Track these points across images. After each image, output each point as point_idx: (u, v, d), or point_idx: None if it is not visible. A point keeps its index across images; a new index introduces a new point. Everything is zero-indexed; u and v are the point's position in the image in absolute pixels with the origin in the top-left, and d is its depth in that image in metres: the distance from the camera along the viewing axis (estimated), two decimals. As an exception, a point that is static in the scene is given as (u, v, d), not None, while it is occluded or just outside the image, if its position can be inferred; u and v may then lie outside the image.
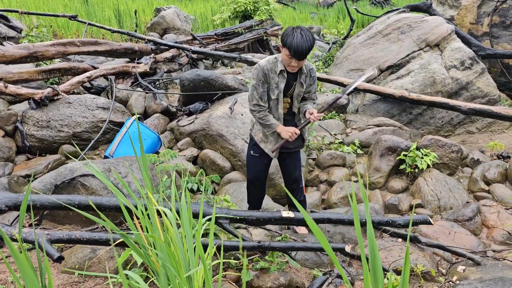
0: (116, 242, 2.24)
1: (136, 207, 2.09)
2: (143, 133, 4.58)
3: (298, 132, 3.17)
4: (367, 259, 2.93)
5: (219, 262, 2.45)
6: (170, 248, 1.85)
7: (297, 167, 3.58)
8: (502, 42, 7.97)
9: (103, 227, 2.93)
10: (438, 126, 6.48)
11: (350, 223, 3.04)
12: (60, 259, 2.14)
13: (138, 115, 4.82)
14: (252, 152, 3.49)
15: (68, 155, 3.73)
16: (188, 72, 5.74)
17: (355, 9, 10.81)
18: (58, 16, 7.81)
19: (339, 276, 2.81)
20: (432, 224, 3.08)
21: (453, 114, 6.42)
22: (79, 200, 2.52)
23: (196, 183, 3.68)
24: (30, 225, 3.18)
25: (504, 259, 3.23)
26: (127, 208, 2.44)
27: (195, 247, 2.00)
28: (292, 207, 3.74)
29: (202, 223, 2.51)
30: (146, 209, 2.07)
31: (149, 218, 2.11)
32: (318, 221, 2.90)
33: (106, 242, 2.33)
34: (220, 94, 5.64)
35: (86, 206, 2.52)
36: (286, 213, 2.74)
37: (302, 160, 3.82)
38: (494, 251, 3.44)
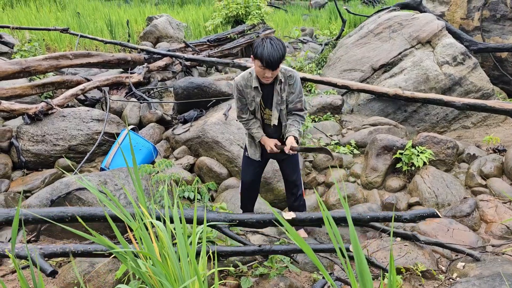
0: (112, 256, 2.23)
1: (133, 217, 2.09)
2: (139, 144, 4.57)
3: (275, 149, 3.23)
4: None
5: (219, 270, 2.44)
6: (166, 260, 1.85)
7: (294, 171, 3.60)
8: (494, 35, 8.00)
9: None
10: (433, 123, 6.49)
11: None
12: (53, 274, 2.13)
13: (132, 126, 4.82)
14: (246, 154, 3.55)
15: (62, 170, 3.72)
16: (181, 80, 5.75)
17: (346, 9, 10.85)
18: (49, 30, 7.83)
19: (338, 279, 2.81)
20: (440, 216, 3.07)
21: (447, 110, 6.43)
22: (72, 211, 2.50)
23: (192, 191, 3.67)
24: (28, 241, 3.18)
25: (503, 254, 3.23)
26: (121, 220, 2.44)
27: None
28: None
29: (199, 230, 2.51)
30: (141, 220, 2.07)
31: (147, 229, 2.11)
32: (320, 220, 2.88)
33: (101, 254, 2.32)
34: (214, 100, 5.64)
35: (81, 218, 2.51)
36: (287, 215, 2.74)
37: (299, 163, 3.83)
38: (493, 246, 3.43)
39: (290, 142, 3.14)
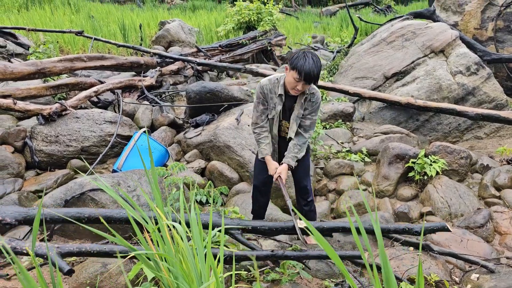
0: (129, 256, 2.23)
1: (146, 221, 2.09)
2: (151, 146, 4.59)
3: (282, 177, 3.21)
4: (378, 268, 2.91)
5: (231, 274, 2.44)
6: (181, 262, 1.85)
7: (306, 176, 3.58)
8: (508, 46, 7.95)
9: (114, 242, 2.93)
10: (445, 132, 6.45)
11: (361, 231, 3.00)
12: (70, 272, 2.14)
13: (145, 128, 4.84)
14: (260, 157, 3.53)
15: (77, 170, 3.74)
16: (194, 84, 5.78)
17: (358, 17, 10.85)
18: (64, 32, 7.92)
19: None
20: (450, 230, 3.04)
21: (460, 120, 6.39)
22: (88, 213, 2.52)
23: (205, 195, 3.67)
24: (42, 240, 3.19)
25: (518, 266, 3.18)
26: (137, 222, 2.44)
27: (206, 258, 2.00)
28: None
29: (213, 234, 2.51)
30: (156, 223, 2.07)
31: (159, 231, 2.10)
32: (332, 230, 2.88)
33: (117, 255, 2.33)
34: (226, 105, 5.65)
35: (96, 219, 2.53)
36: (299, 223, 2.72)
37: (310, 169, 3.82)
38: (507, 258, 3.39)
39: (279, 172, 3.18)
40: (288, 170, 3.27)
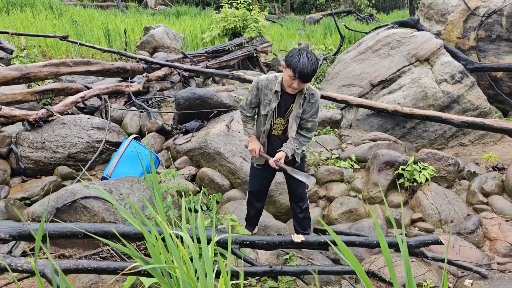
0: (125, 271, 2.18)
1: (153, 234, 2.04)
2: (141, 153, 4.53)
3: (257, 153, 3.32)
4: (374, 275, 2.91)
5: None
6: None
7: (301, 184, 3.58)
8: (489, 55, 8.16)
9: (108, 251, 2.87)
10: (431, 139, 6.55)
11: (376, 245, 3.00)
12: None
13: (134, 135, 4.78)
14: (255, 164, 3.55)
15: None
16: (184, 91, 5.74)
17: (344, 25, 10.99)
18: (49, 36, 7.78)
19: (351, 295, 2.78)
20: (443, 244, 3.09)
21: (445, 127, 6.50)
22: (85, 228, 2.43)
23: (199, 203, 3.63)
24: (32, 250, 3.10)
25: (510, 272, 3.24)
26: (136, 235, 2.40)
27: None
28: (298, 228, 3.72)
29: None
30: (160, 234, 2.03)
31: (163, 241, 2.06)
32: (329, 244, 2.86)
33: (114, 271, 2.27)
34: (216, 112, 5.63)
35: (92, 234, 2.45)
36: (297, 238, 2.71)
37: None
38: (498, 263, 3.45)
39: (278, 157, 3.19)
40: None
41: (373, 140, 5.97)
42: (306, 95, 3.13)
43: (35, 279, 2.93)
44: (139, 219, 2.18)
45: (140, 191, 3.64)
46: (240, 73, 8.14)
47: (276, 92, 3.12)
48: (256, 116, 3.36)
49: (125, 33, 11.40)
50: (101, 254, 2.82)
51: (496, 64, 7.79)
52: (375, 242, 2.91)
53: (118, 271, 2.25)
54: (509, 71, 7.70)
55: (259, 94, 3.21)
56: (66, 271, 2.22)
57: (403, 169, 4.71)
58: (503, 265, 3.41)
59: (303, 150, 3.42)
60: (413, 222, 4.28)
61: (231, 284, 2.82)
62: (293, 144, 3.24)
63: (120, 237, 1.76)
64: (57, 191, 3.43)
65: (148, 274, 2.33)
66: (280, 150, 3.23)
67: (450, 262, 3.27)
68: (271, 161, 3.23)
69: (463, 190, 4.82)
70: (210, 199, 3.80)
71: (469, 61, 7.72)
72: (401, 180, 4.74)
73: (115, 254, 2.84)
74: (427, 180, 4.56)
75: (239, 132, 5.12)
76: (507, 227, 3.86)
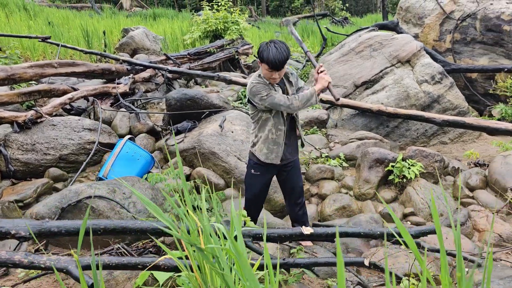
0: (151, 265, 2.21)
1: (173, 229, 2.08)
2: (137, 153, 4.53)
3: (328, 78, 3.31)
4: (376, 267, 3.03)
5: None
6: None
7: (300, 178, 3.68)
8: (464, 57, 8.50)
9: (118, 249, 2.88)
10: (414, 138, 6.78)
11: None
12: (92, 286, 2.10)
13: (129, 136, 4.77)
14: (253, 171, 3.52)
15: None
16: (175, 92, 5.76)
17: (326, 28, 11.22)
18: (31, 37, 7.61)
19: (359, 284, 2.89)
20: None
21: (427, 126, 6.74)
22: (104, 224, 2.43)
23: (207, 200, 3.67)
24: (37, 251, 3.08)
25: (500, 260, 3.42)
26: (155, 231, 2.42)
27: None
28: (296, 223, 3.79)
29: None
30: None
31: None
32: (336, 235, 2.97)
33: (135, 266, 2.29)
34: (207, 112, 5.67)
35: (112, 231, 2.45)
36: (306, 230, 2.80)
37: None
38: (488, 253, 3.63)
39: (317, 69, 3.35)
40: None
41: (360, 139, 6.13)
42: (288, 76, 3.34)
43: (42, 279, 2.91)
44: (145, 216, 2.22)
45: (142, 190, 3.65)
46: (226, 74, 8.19)
47: (270, 84, 3.22)
48: (265, 122, 3.32)
49: (104, 35, 11.26)
50: (111, 252, 2.82)
51: (471, 65, 8.13)
52: (378, 232, 3.02)
53: (139, 266, 2.28)
54: (483, 72, 8.05)
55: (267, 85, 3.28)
56: (88, 268, 2.23)
57: (392, 166, 4.87)
58: (494, 254, 3.59)
59: None
60: (405, 216, 4.44)
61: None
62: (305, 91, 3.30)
63: (159, 234, 1.79)
64: (60, 191, 3.40)
65: (167, 269, 2.37)
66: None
67: (446, 252, 3.42)
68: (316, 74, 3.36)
69: (448, 186, 5.03)
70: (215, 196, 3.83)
71: (446, 62, 8.02)
72: (391, 177, 4.90)
73: (125, 252, 2.85)
74: (416, 176, 4.74)
75: (232, 132, 5.18)
76: (494, 219, 4.06)
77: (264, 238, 1.82)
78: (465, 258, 3.38)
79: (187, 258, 2.08)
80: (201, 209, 3.90)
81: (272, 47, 2.99)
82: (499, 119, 7.13)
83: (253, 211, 3.73)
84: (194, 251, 2.01)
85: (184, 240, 1.91)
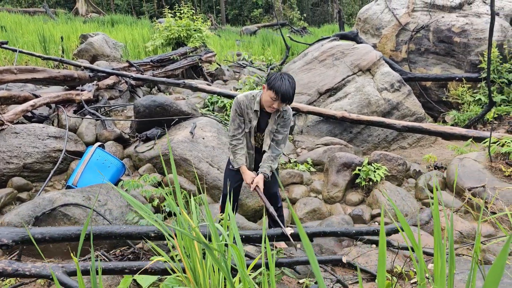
0: (140, 270, 2.22)
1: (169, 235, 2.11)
2: (107, 161, 4.46)
3: (260, 186, 3.32)
4: (350, 265, 3.16)
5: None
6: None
7: (275, 184, 3.77)
8: (419, 66, 8.97)
9: (97, 256, 2.84)
10: (375, 143, 7.07)
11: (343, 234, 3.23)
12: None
13: (99, 143, 4.69)
14: (230, 166, 3.66)
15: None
16: (143, 98, 5.71)
17: (289, 37, 11.47)
18: (-14, 42, 7.30)
19: (339, 281, 3.00)
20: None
21: (387, 132, 7.05)
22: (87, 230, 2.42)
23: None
24: (17, 259, 2.97)
25: (462, 255, 3.66)
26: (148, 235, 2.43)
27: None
28: (273, 225, 3.88)
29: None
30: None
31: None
32: (314, 234, 3.07)
33: (122, 271, 2.29)
34: (177, 119, 5.67)
35: (96, 236, 2.44)
36: (288, 230, 2.89)
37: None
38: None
39: (256, 181, 3.33)
40: (264, 179, 3.44)
41: (326, 144, 6.33)
42: (281, 112, 3.37)
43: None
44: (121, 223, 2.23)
45: (118, 197, 3.61)
46: (192, 81, 8.20)
47: (256, 111, 3.32)
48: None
49: (62, 40, 10.96)
50: (96, 259, 2.78)
51: (425, 74, 8.58)
52: (354, 231, 3.16)
53: (126, 270, 2.28)
54: (436, 81, 8.52)
55: (242, 112, 3.37)
56: (74, 274, 2.21)
57: (359, 170, 5.07)
58: (456, 250, 3.83)
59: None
60: (373, 217, 4.63)
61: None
62: (268, 162, 3.44)
63: (144, 238, 1.81)
64: (33, 199, 3.30)
65: (155, 272, 2.38)
66: (259, 172, 3.40)
67: (413, 249, 3.61)
68: (252, 186, 3.34)
69: (411, 188, 5.29)
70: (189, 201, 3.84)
71: (403, 71, 8.43)
72: (358, 180, 5.09)
73: (105, 258, 2.82)
74: (381, 179, 4.96)
75: (203, 138, 5.21)
76: (454, 218, 4.32)
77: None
78: (431, 254, 3.59)
79: (180, 261, 2.10)
80: (170, 214, 3.90)
81: (286, 80, 3.08)
82: (452, 125, 7.57)
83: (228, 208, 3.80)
84: (186, 254, 2.05)
85: (182, 240, 1.94)
